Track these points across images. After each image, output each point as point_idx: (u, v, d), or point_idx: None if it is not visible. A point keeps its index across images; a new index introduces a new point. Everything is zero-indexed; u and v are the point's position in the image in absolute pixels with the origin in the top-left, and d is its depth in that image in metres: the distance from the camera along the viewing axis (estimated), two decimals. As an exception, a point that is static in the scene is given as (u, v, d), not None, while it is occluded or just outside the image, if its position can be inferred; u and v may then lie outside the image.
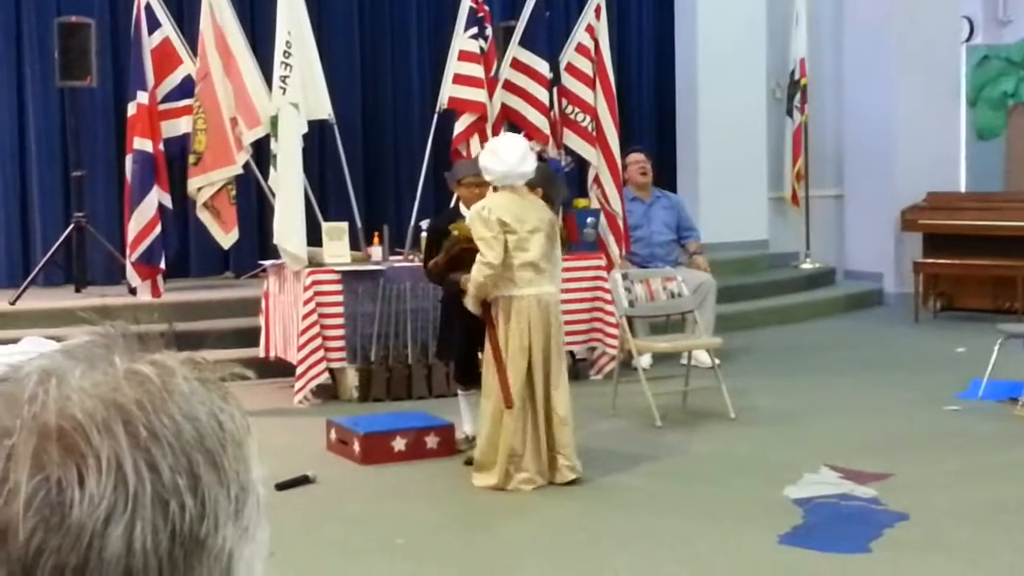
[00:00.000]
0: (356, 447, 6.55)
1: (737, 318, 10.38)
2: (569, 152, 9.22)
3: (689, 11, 12.15)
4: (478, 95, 8.87)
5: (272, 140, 8.33)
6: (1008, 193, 12.28)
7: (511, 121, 9.15)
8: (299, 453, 6.52)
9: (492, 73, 8.98)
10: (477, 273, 5.98)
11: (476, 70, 8.87)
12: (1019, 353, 7.79)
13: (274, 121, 8.18)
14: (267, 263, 8.66)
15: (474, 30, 8.91)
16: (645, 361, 8.34)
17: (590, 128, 9.12)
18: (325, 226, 8.27)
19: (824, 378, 8.67)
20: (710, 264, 9.52)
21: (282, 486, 5.87)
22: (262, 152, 8.93)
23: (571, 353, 8.14)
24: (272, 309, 8.45)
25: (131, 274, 8.93)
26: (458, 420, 6.82)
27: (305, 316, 7.85)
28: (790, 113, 12.46)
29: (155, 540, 0.66)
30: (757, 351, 9.65)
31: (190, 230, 10.10)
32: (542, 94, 9.01)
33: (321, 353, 7.91)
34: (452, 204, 7.43)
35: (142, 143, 8.81)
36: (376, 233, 8.50)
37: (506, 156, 5.99)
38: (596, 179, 9.20)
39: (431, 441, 6.65)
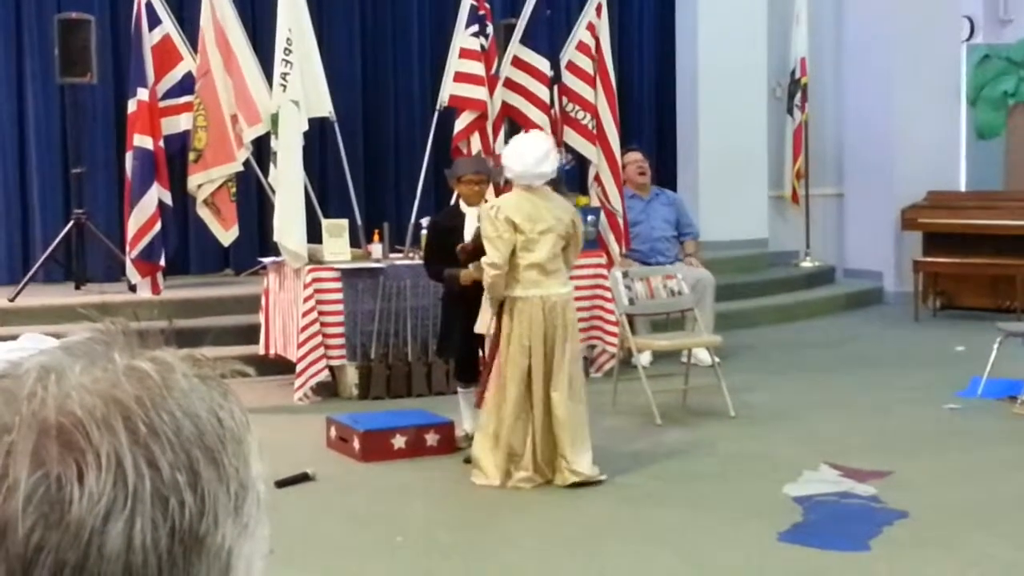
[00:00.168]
0: (356, 444, 6.55)
1: (737, 316, 10.38)
2: (569, 150, 9.21)
3: (690, 10, 12.14)
4: (479, 93, 8.86)
5: (272, 137, 8.33)
6: (1008, 192, 12.27)
7: (511, 119, 9.15)
8: (299, 450, 6.52)
9: (493, 71, 8.98)
10: (484, 273, 5.99)
11: (477, 68, 8.86)
12: (1018, 351, 7.79)
13: (274, 118, 8.18)
14: (267, 260, 8.66)
15: (475, 28, 8.90)
16: (645, 359, 8.35)
17: (590, 126, 9.12)
18: (325, 223, 8.27)
19: (824, 376, 8.67)
20: (709, 263, 9.51)
21: (282, 483, 5.87)
22: (262, 149, 8.93)
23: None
24: (272, 306, 8.45)
25: (131, 271, 8.93)
26: (458, 418, 6.82)
27: (305, 313, 7.85)
28: (790, 112, 12.45)
29: (155, 537, 0.66)
30: (757, 349, 9.65)
31: (190, 227, 10.10)
32: (543, 92, 9.01)
33: (321, 350, 7.91)
34: (452, 201, 7.42)
35: (142, 140, 8.81)
36: (376, 230, 8.49)
37: (525, 155, 5.97)
38: (596, 177, 9.20)
39: (431, 439, 6.65)
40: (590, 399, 6.54)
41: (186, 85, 8.99)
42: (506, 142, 9.17)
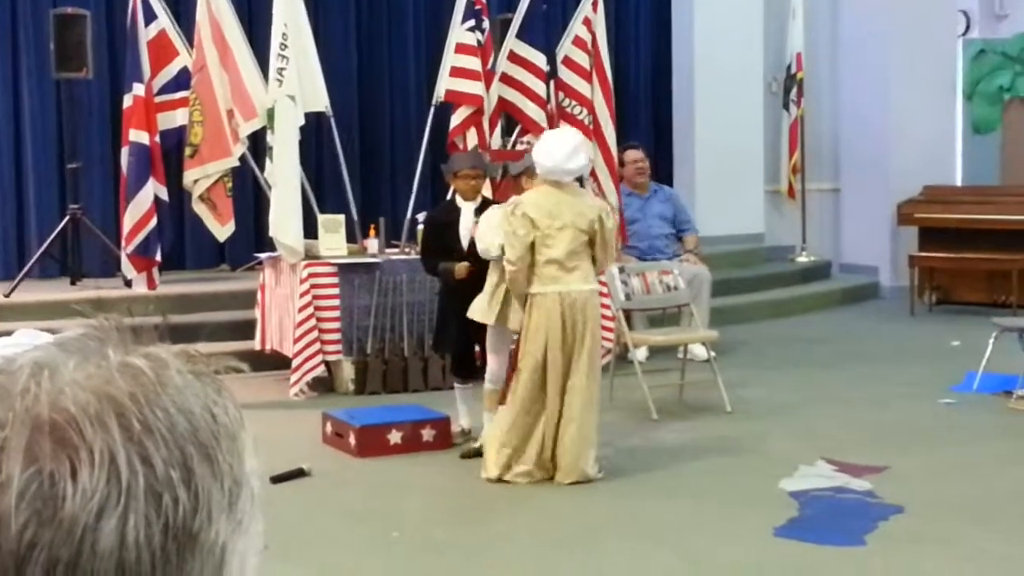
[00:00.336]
0: (352, 440, 6.55)
1: (733, 311, 10.39)
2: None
3: (686, 4, 12.14)
4: (475, 88, 8.85)
5: (268, 132, 8.31)
6: (1003, 187, 12.29)
7: (508, 114, 9.15)
8: (295, 446, 6.52)
9: (489, 66, 8.97)
10: (506, 272, 6.02)
11: (473, 63, 8.86)
12: (1014, 346, 7.80)
13: (270, 113, 8.17)
14: (263, 256, 8.66)
15: (471, 23, 8.89)
16: (641, 354, 8.35)
17: (587, 121, 9.11)
18: (321, 218, 8.26)
19: (819, 371, 8.68)
20: (706, 257, 9.51)
21: (278, 479, 5.87)
22: (258, 144, 8.93)
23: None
24: (268, 302, 8.44)
25: (127, 266, 8.93)
26: (454, 413, 6.82)
27: (301, 309, 7.85)
28: (786, 107, 12.46)
29: (148, 533, 0.66)
30: (753, 344, 9.65)
31: (186, 222, 10.09)
32: (539, 87, 9.01)
33: (317, 346, 7.91)
34: (448, 197, 7.42)
35: (138, 135, 8.80)
36: (372, 226, 8.49)
37: (555, 151, 5.97)
38: (592, 173, 9.19)
39: (427, 434, 6.65)
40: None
41: (182, 80, 8.99)
42: (502, 137, 9.23)
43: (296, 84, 8.14)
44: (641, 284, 7.90)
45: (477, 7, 8.93)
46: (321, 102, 8.70)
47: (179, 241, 10.24)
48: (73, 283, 9.41)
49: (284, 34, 8.16)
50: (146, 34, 8.90)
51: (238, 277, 10.06)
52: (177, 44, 9.03)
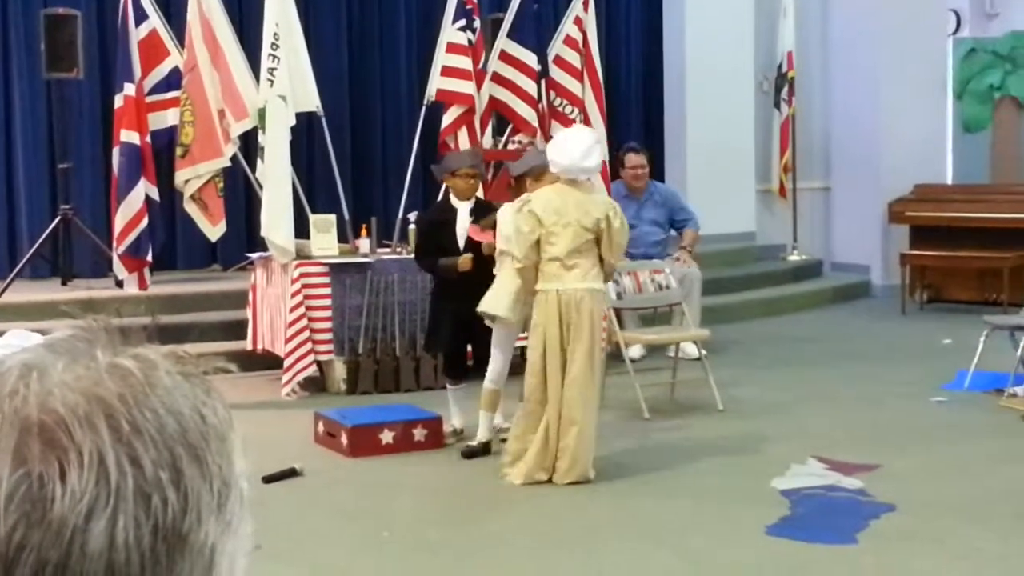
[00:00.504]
0: (344, 440, 6.54)
1: (724, 310, 10.39)
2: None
3: (677, 3, 12.14)
4: (466, 87, 8.85)
5: (260, 132, 8.31)
6: (994, 185, 12.31)
7: (499, 113, 9.15)
8: (286, 446, 6.51)
9: (480, 65, 8.97)
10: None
11: (464, 62, 8.86)
12: (1005, 344, 7.82)
13: (262, 113, 8.16)
14: (254, 256, 8.65)
15: (462, 22, 8.90)
16: (636, 352, 8.35)
17: (578, 120, 9.11)
18: (313, 218, 8.26)
19: (811, 370, 8.69)
20: (698, 256, 9.48)
21: (269, 479, 5.86)
22: (250, 144, 8.92)
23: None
24: (259, 302, 8.43)
25: (118, 267, 8.91)
26: (446, 413, 6.82)
27: (293, 308, 7.84)
28: (777, 106, 12.47)
29: (137, 535, 0.66)
30: (744, 343, 9.66)
31: (177, 223, 10.07)
32: (530, 86, 9.01)
33: (309, 346, 7.90)
34: (441, 196, 7.42)
35: (129, 135, 8.79)
36: (364, 225, 8.48)
37: (571, 150, 5.98)
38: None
39: (419, 434, 6.65)
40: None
41: (173, 80, 8.97)
42: (493, 137, 9.24)
43: (287, 84, 8.13)
44: (632, 283, 7.91)
45: (468, 7, 8.94)
46: (312, 102, 8.70)
47: (170, 241, 10.22)
48: (64, 283, 9.39)
49: (275, 34, 8.15)
50: (137, 34, 8.88)
51: (229, 277, 10.05)
52: (168, 44, 9.02)
